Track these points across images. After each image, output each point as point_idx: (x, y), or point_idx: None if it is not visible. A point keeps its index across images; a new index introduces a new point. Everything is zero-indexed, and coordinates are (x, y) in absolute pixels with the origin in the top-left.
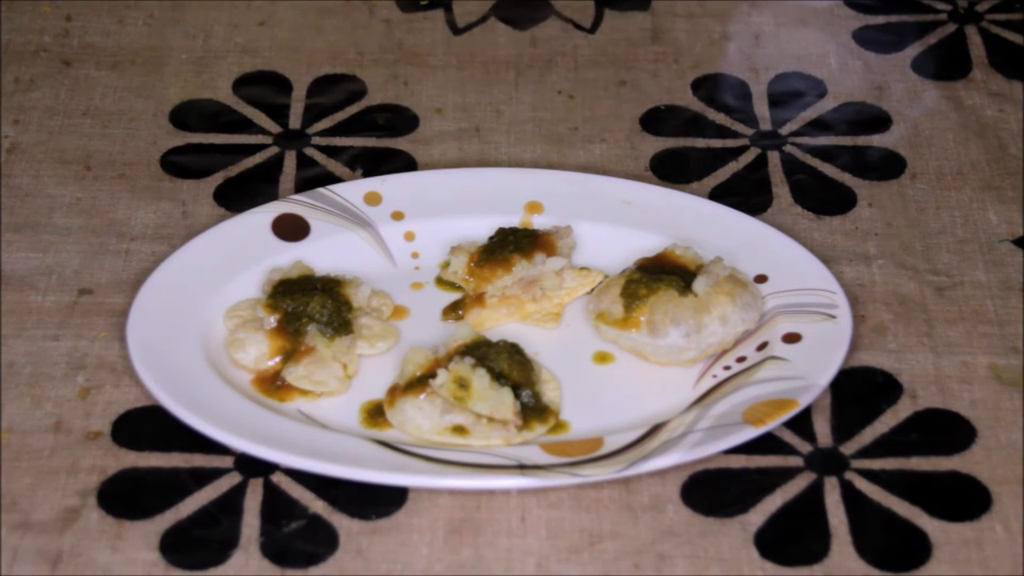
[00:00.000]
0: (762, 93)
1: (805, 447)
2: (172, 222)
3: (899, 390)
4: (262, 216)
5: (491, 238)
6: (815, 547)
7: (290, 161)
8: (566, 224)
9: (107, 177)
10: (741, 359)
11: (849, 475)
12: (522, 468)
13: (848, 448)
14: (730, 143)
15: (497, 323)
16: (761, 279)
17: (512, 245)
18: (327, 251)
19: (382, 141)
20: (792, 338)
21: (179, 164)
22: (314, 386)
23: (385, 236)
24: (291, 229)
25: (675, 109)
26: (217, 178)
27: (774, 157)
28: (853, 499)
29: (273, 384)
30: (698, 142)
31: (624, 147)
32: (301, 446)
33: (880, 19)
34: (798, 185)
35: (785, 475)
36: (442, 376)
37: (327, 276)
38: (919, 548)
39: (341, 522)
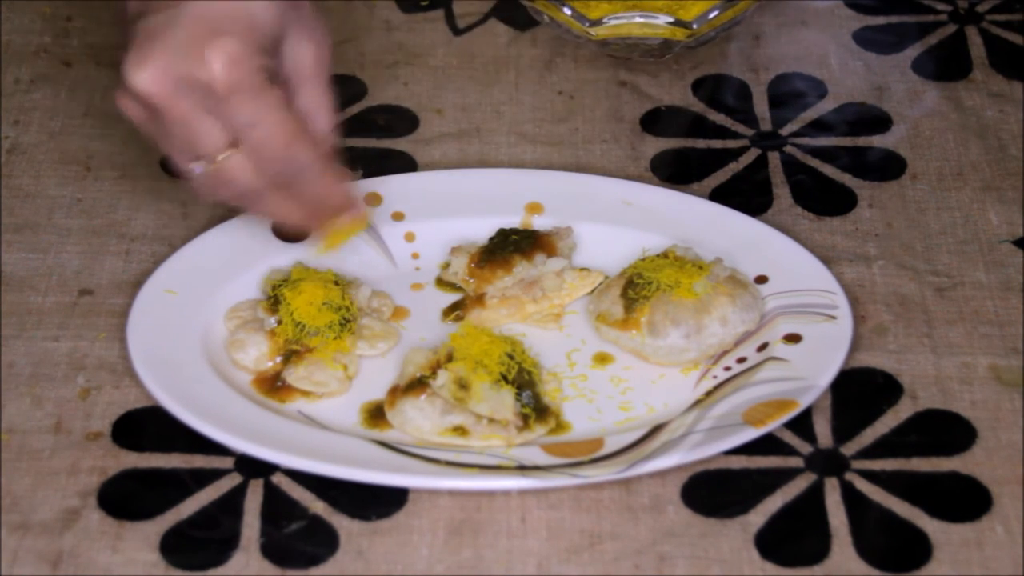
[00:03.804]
0: (762, 94)
1: (805, 448)
2: (172, 223)
3: (899, 391)
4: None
5: (491, 239)
6: (816, 548)
7: None
8: (566, 225)
9: (107, 178)
10: (741, 360)
11: (849, 476)
12: (522, 469)
13: (848, 449)
14: (730, 144)
15: (497, 324)
16: (761, 280)
17: (512, 246)
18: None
19: (382, 142)
20: (792, 339)
21: None
22: (314, 387)
23: (385, 237)
24: (291, 230)
25: (675, 110)
26: None
27: (774, 158)
28: (853, 500)
29: (273, 385)
30: (698, 143)
31: (624, 148)
32: (301, 447)
33: (880, 19)
34: (798, 186)
35: (785, 476)
36: (442, 377)
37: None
38: (919, 549)
39: (341, 523)
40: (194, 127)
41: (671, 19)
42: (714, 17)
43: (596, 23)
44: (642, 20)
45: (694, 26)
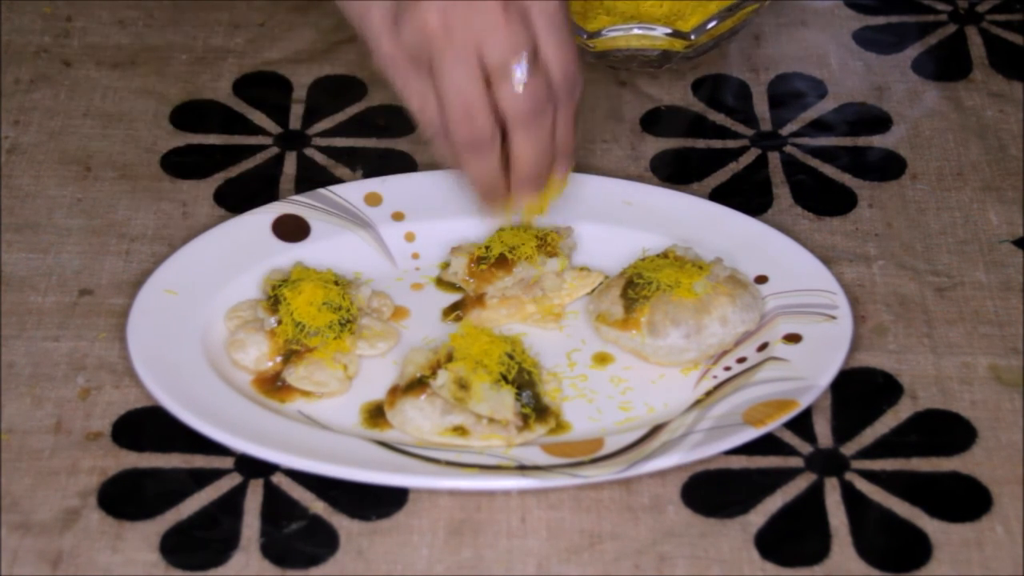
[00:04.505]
0: (762, 93)
1: (805, 448)
2: (172, 222)
3: (899, 391)
4: (262, 217)
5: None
6: (816, 548)
7: (290, 162)
8: (567, 224)
9: (107, 178)
10: (741, 360)
11: (849, 476)
12: (522, 469)
13: (848, 449)
14: (730, 144)
15: (497, 324)
16: (761, 280)
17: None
18: (327, 251)
19: (382, 142)
20: (792, 339)
21: (179, 164)
22: (314, 387)
23: (385, 237)
24: (291, 230)
25: (675, 110)
26: (217, 178)
27: (774, 158)
28: (854, 500)
29: (273, 385)
30: (698, 143)
31: (624, 148)
32: (301, 447)
33: (880, 19)
34: (798, 186)
35: (785, 476)
36: (442, 377)
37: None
38: (919, 549)
39: (341, 523)
40: (505, 21)
41: (669, 31)
42: (712, 28)
43: (594, 35)
44: (640, 32)
45: (692, 37)
